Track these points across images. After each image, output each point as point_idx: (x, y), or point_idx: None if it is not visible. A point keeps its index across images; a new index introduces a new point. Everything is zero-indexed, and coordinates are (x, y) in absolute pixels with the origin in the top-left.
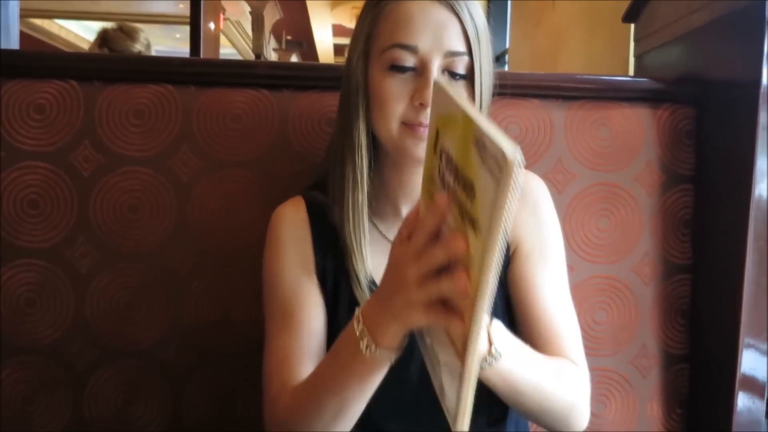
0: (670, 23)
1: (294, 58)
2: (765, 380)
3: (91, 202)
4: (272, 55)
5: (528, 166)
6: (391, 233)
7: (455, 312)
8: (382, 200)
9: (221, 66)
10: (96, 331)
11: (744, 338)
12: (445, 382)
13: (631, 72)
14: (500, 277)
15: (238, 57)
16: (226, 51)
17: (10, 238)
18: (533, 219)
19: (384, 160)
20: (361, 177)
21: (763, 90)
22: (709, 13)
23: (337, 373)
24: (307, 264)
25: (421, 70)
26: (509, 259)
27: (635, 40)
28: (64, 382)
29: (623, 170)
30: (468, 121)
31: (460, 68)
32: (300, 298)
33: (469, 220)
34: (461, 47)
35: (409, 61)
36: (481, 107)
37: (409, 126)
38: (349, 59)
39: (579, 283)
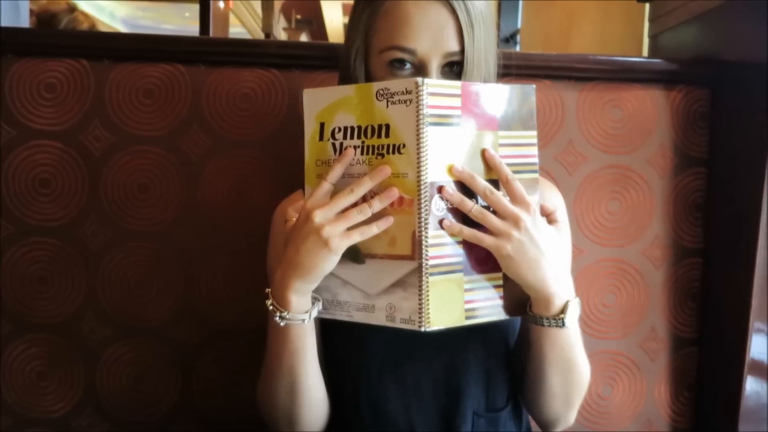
0: (686, 3)
1: (303, 38)
2: None
3: (102, 181)
4: (282, 35)
5: (539, 148)
6: None
7: (385, 217)
8: None
9: (231, 45)
10: (107, 309)
11: (754, 323)
12: (393, 299)
13: (645, 53)
14: None
15: (248, 36)
16: (236, 30)
17: (22, 217)
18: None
19: None
20: None
21: None
22: None
23: (274, 351)
24: None
25: (419, 69)
26: None
27: (650, 20)
28: (76, 359)
29: (635, 152)
30: (363, 88)
31: (458, 64)
32: None
33: (390, 149)
34: (459, 46)
35: (408, 61)
36: None
37: None
38: (346, 52)
39: (588, 266)
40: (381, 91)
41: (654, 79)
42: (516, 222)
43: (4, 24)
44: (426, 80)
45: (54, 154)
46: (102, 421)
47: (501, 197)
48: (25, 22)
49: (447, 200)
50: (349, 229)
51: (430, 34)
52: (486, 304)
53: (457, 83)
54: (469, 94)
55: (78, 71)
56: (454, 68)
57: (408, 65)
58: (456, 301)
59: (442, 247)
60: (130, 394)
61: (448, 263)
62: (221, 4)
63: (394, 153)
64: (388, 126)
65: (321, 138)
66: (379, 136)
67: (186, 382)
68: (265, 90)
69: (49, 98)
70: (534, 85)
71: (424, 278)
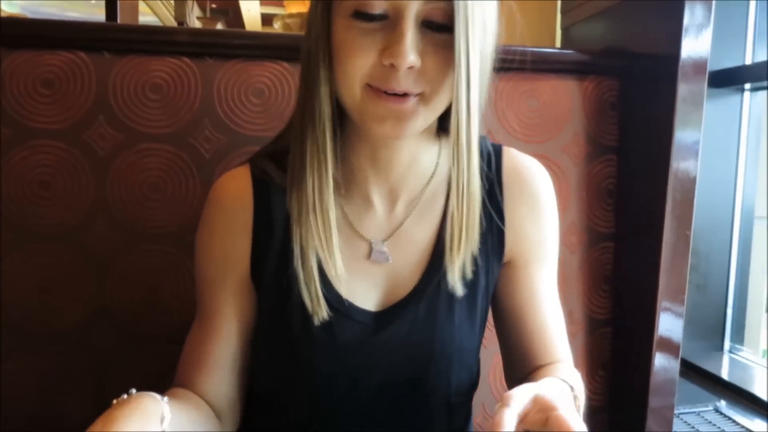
0: None
1: (219, 27)
2: (680, 341)
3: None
4: (196, 24)
5: None
6: (362, 226)
7: None
8: (351, 185)
9: (139, 32)
10: (10, 318)
11: (662, 302)
12: None
13: (558, 45)
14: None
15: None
16: (147, 19)
17: None
18: (532, 216)
19: (353, 135)
20: (325, 155)
21: (681, 64)
22: None
23: None
24: (237, 264)
25: (393, 20)
26: (501, 266)
27: (562, 13)
28: None
29: (551, 141)
30: None
31: (441, 16)
32: (218, 301)
33: None
34: None
35: (378, 6)
36: (468, 72)
37: (374, 90)
38: (310, 7)
39: None
40: None
41: (567, 69)
42: None
43: None
44: None
45: None
46: None
47: None
48: None
49: None
50: None
51: None
52: None
53: None
54: None
55: None
56: (434, 28)
57: (376, 19)
58: None
59: None
60: (38, 407)
61: None
62: None
63: None
64: None
65: None
66: None
67: (99, 389)
68: (177, 80)
69: None
70: None
71: None
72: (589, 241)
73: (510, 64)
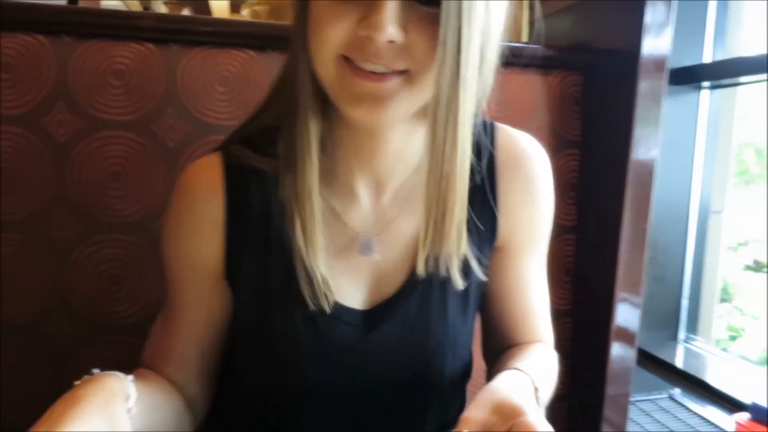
0: None
1: (186, 13)
2: (636, 331)
3: None
4: (162, 9)
5: None
6: (349, 220)
7: None
8: (334, 176)
9: (101, 16)
10: None
11: (620, 293)
12: None
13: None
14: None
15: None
16: (111, 3)
17: None
18: (527, 200)
19: (337, 122)
20: (308, 139)
21: (642, 60)
22: None
23: None
24: (208, 262)
25: None
26: (492, 250)
27: (529, 8)
28: None
29: None
30: None
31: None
32: (186, 299)
33: None
34: None
35: None
36: (458, 55)
37: (351, 66)
38: None
39: None
40: None
41: (533, 64)
42: None
43: None
44: None
45: None
46: None
47: None
48: None
49: None
50: None
51: None
52: None
53: None
54: None
55: None
56: (429, 4)
57: None
58: None
59: None
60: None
61: None
62: None
63: None
64: None
65: None
66: None
67: (60, 381)
68: (140, 66)
69: None
70: None
71: None
72: (552, 234)
73: None
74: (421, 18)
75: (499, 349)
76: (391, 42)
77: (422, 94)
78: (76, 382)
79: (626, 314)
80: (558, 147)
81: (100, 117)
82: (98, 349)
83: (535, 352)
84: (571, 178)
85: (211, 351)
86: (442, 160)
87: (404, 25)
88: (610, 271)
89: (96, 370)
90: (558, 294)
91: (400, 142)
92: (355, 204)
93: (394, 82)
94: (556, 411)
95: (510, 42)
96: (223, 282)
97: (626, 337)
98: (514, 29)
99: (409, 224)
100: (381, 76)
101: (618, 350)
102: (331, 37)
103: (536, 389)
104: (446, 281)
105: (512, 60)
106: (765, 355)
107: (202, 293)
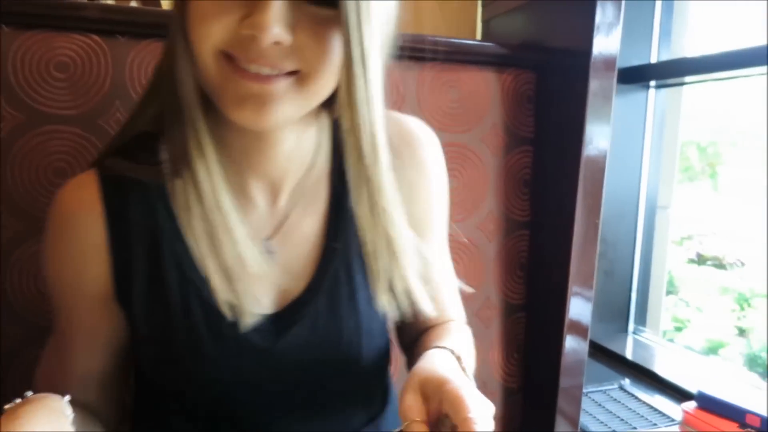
0: None
1: (133, 5)
2: (588, 324)
3: None
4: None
5: None
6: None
7: None
8: (228, 173)
9: (41, 6)
10: None
11: (572, 287)
12: None
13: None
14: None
15: None
16: None
17: None
18: (420, 183)
19: (223, 118)
20: (199, 140)
21: (593, 60)
22: None
23: None
24: (93, 286)
25: None
26: None
27: (483, 6)
28: None
29: (471, 131)
30: None
31: None
32: (75, 324)
33: None
34: None
35: None
36: (362, 55)
37: (233, 64)
38: None
39: None
40: None
41: (487, 61)
42: None
43: None
44: None
45: None
46: None
47: None
48: None
49: None
50: None
51: None
52: None
53: None
54: None
55: None
56: (318, 4)
57: None
58: None
59: None
60: None
61: None
62: None
63: None
64: None
65: None
66: None
67: None
68: (85, 58)
69: None
70: None
71: None
72: (505, 230)
73: (426, 53)
74: (311, 19)
75: (413, 336)
76: (277, 43)
77: (315, 96)
78: (7, 406)
79: (579, 308)
80: (512, 144)
81: (42, 111)
82: (40, 353)
83: (449, 329)
84: (525, 174)
85: (113, 364)
86: (365, 165)
87: (293, 26)
88: (563, 265)
89: (29, 393)
90: (512, 288)
91: (292, 142)
92: (249, 207)
93: (282, 84)
94: (511, 404)
95: (465, 39)
96: (115, 303)
97: (579, 330)
98: (468, 27)
99: (307, 222)
100: (267, 77)
101: (571, 343)
102: (212, 33)
103: (458, 358)
104: (353, 273)
105: (467, 57)
106: (708, 345)
107: (93, 317)
